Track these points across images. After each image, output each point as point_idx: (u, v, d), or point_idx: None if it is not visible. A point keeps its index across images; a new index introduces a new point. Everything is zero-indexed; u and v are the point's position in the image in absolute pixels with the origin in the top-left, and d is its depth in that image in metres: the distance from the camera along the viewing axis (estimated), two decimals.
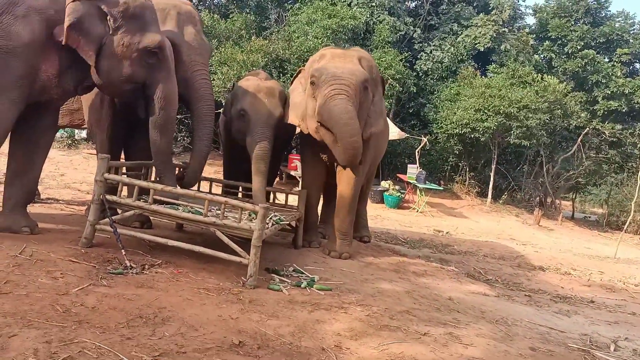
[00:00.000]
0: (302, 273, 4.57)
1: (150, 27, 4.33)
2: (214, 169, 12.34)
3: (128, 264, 3.84)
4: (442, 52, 16.23)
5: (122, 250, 3.97)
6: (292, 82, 5.95)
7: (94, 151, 12.74)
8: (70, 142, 13.83)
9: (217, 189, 6.29)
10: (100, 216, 4.25)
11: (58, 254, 3.84)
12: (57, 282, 3.30)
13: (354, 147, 4.89)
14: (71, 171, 10.27)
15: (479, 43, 16.21)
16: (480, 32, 16.25)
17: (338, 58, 5.15)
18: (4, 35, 3.93)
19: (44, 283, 3.23)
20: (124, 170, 4.98)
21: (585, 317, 4.96)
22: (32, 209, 4.89)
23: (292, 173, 12.66)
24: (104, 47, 4.19)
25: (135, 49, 4.24)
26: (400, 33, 16.26)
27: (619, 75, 17.19)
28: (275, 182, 6.98)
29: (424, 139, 14.46)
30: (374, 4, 15.99)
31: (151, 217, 5.17)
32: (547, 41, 18.15)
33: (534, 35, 18.64)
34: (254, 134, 5.28)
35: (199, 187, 5.82)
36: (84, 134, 14.41)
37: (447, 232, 9.84)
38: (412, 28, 16.60)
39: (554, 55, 17.76)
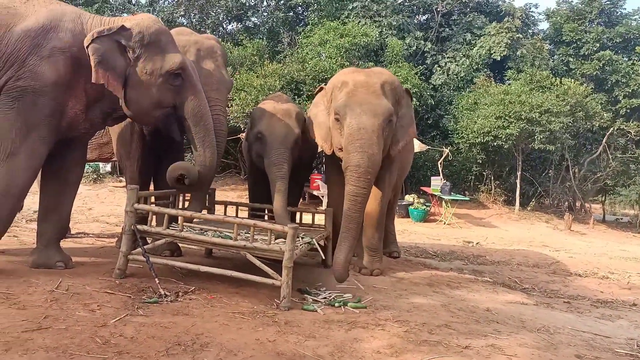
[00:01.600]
0: (335, 292, 4.52)
1: (169, 51, 4.38)
2: (237, 194, 12.45)
3: (162, 292, 3.86)
4: (457, 65, 16.18)
5: (156, 279, 3.99)
6: (315, 95, 5.89)
7: (120, 184, 13.07)
8: (95, 176, 14.11)
9: (242, 213, 6.30)
10: (132, 246, 4.29)
11: (93, 286, 3.89)
12: (95, 314, 3.33)
13: (350, 229, 4.74)
14: (98, 205, 10.44)
15: (494, 52, 16.13)
16: (494, 41, 16.17)
17: (361, 89, 5.00)
18: (30, 76, 4.04)
19: (82, 316, 3.26)
20: (153, 199, 5.02)
21: (629, 321, 4.81)
22: (64, 243, 4.96)
23: (315, 193, 12.66)
24: (128, 79, 4.27)
25: (158, 75, 4.30)
26: (411, 49, 16.29)
27: (639, 72, 16.91)
28: (299, 203, 6.96)
29: (446, 150, 14.36)
30: (382, 24, 16.06)
31: (180, 245, 5.21)
32: (562, 46, 17.96)
33: (548, 41, 18.48)
34: (271, 155, 5.25)
35: (225, 212, 5.86)
36: (108, 167, 14.70)
37: (477, 243, 9.67)
38: (422, 42, 16.61)
39: (571, 59, 17.57)
